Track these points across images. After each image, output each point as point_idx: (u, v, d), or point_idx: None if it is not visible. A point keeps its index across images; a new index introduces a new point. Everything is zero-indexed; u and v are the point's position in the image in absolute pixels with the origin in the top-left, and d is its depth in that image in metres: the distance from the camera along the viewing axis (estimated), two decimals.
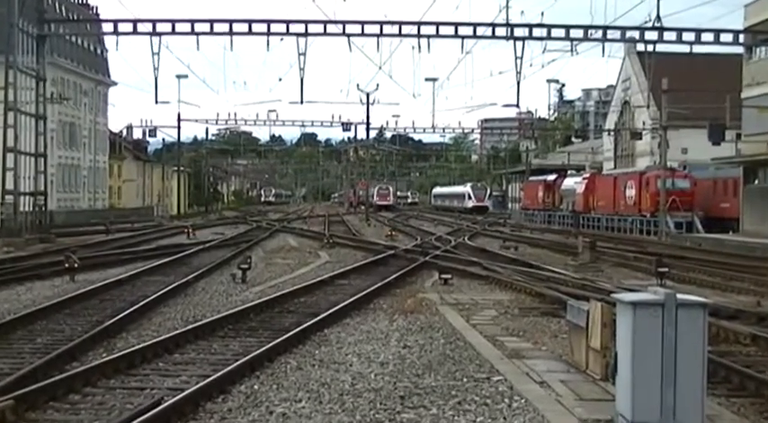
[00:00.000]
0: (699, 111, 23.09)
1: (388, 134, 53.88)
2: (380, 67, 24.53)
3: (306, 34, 18.25)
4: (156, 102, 19.98)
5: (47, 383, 4.48)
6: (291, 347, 5.87)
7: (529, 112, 58.91)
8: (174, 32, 18.25)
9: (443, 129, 40.74)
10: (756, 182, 22.04)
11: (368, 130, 35.77)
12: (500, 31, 18.43)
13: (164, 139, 43.72)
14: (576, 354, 5.28)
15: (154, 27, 18.18)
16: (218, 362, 5.40)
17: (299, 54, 18.41)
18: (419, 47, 18.46)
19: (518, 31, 18.47)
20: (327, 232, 19.76)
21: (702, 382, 3.75)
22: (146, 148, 49.03)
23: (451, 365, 5.34)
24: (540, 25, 18.57)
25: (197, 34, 18.07)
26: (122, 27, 18.40)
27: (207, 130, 56.42)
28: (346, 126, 36.06)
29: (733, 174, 23.50)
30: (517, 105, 29.83)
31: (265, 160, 75.66)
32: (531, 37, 18.50)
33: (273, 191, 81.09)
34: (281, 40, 18.38)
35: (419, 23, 18.49)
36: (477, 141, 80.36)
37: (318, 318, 6.93)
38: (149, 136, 38.00)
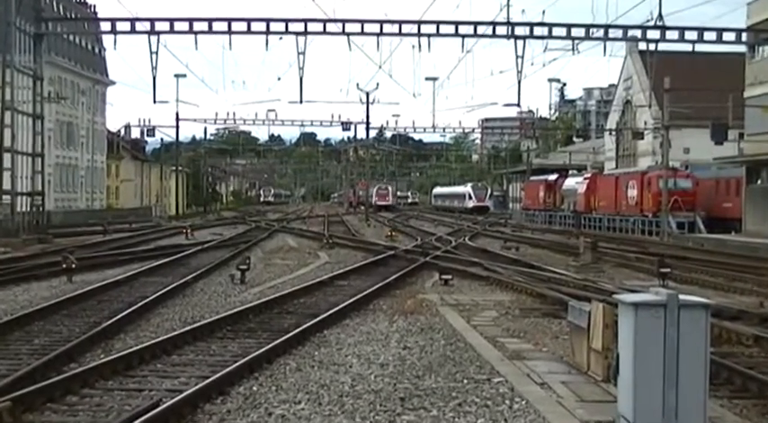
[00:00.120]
0: (701, 110, 23.03)
1: (388, 134, 53.91)
2: (380, 67, 24.53)
3: (305, 33, 18.22)
4: (155, 101, 20.11)
5: (44, 385, 4.46)
6: (291, 349, 5.86)
7: (530, 111, 58.92)
8: (172, 31, 18.21)
9: (444, 128, 40.77)
10: (759, 182, 22.01)
11: (368, 129, 35.73)
12: (501, 30, 18.39)
13: (162, 139, 43.43)
14: (578, 355, 5.26)
15: (152, 26, 18.14)
16: (217, 363, 5.38)
17: (299, 53, 18.41)
18: (419, 46, 18.49)
19: (519, 30, 18.45)
20: (327, 232, 19.73)
21: (705, 384, 3.73)
22: (144, 147, 48.90)
23: (452, 367, 5.32)
24: (542, 24, 18.52)
25: (195, 33, 18.03)
26: (120, 26, 18.37)
27: (205, 129, 56.46)
28: (346, 126, 35.98)
29: (735, 173, 23.47)
30: (518, 105, 29.83)
31: (264, 160, 75.38)
32: (532, 36, 18.47)
33: (272, 191, 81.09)
34: (281, 38, 18.40)
35: (419, 22, 18.47)
36: (478, 141, 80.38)
37: (318, 319, 6.91)
38: (147, 136, 38.03)
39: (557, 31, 18.54)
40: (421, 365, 5.38)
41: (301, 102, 20.98)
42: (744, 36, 19.93)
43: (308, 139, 74.06)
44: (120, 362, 5.20)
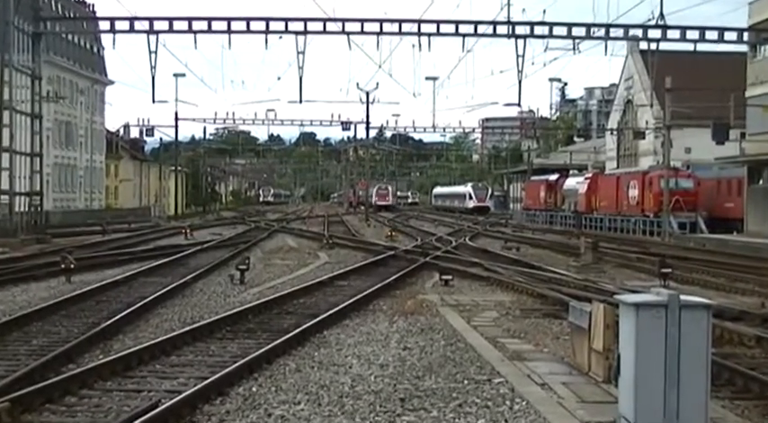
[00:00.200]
0: (702, 110, 22.97)
1: (388, 133, 53.86)
2: (380, 66, 24.45)
3: (305, 32, 18.17)
4: (154, 101, 20.19)
5: (43, 385, 4.45)
6: (290, 349, 5.84)
7: (530, 111, 58.85)
8: (171, 31, 18.16)
9: (444, 128, 40.57)
10: (761, 182, 21.95)
11: (368, 129, 35.56)
12: (501, 30, 18.35)
13: (161, 139, 43.15)
14: (579, 356, 5.24)
15: (151, 25, 18.09)
16: (216, 364, 5.37)
17: (298, 52, 18.34)
18: (419, 45, 18.45)
19: (519, 29, 18.40)
20: (327, 233, 19.70)
21: (706, 385, 3.72)
22: (143, 147, 48.77)
23: (452, 367, 5.31)
24: (542, 23, 18.48)
25: (195, 32, 17.98)
26: (119, 25, 18.32)
27: (205, 129, 56.32)
28: (346, 125, 35.85)
29: (737, 173, 23.43)
30: (519, 104, 29.70)
31: (264, 160, 74.97)
32: (532, 35, 18.42)
33: (272, 191, 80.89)
34: (280, 38, 18.32)
35: (419, 21, 18.43)
36: (478, 141, 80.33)
37: (318, 319, 6.89)
38: (146, 135, 37.86)
39: (557, 31, 18.50)
40: (421, 366, 5.37)
41: (301, 101, 20.97)
42: (745, 35, 19.90)
43: (307, 138, 73.98)
44: (119, 362, 5.19)
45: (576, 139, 53.49)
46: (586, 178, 30.16)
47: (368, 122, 34.17)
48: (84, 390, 4.64)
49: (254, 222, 28.81)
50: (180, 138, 40.73)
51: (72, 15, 31.26)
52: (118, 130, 42.11)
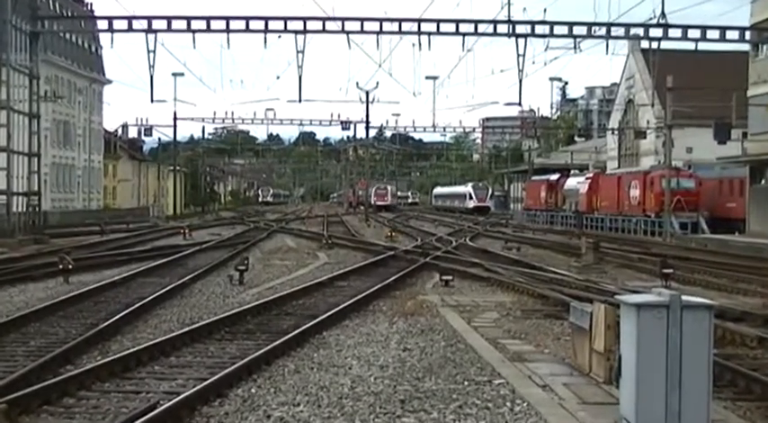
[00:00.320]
0: (704, 109, 22.90)
1: (388, 133, 53.70)
2: (380, 65, 24.36)
3: (304, 31, 18.10)
4: (152, 100, 20.17)
5: (41, 387, 4.43)
6: (289, 350, 5.81)
7: (531, 110, 58.79)
8: (169, 30, 18.07)
9: (444, 128, 40.39)
10: (763, 181, 21.86)
11: (367, 128, 35.43)
12: (502, 29, 18.28)
13: (159, 139, 43.17)
14: (580, 357, 5.21)
15: (149, 24, 18.01)
16: (215, 365, 5.35)
17: (298, 52, 18.24)
18: (419, 44, 18.35)
19: (520, 29, 18.33)
20: (326, 233, 19.67)
21: (708, 386, 3.71)
22: (141, 147, 48.71)
23: (452, 368, 5.29)
24: (543, 22, 18.40)
25: (193, 32, 17.90)
26: (117, 24, 18.23)
27: (203, 129, 56.10)
28: (345, 125, 35.69)
29: (739, 173, 23.35)
30: (519, 104, 29.46)
31: (263, 160, 74.62)
32: (533, 34, 18.34)
33: (271, 191, 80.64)
34: (279, 37, 18.22)
35: (419, 20, 18.37)
36: (479, 140, 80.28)
37: (317, 320, 6.86)
38: (145, 135, 37.72)
39: (558, 30, 18.42)
40: (421, 367, 5.35)
41: (300, 101, 20.81)
42: (747, 34, 19.78)
43: (307, 138, 73.83)
44: (118, 364, 5.17)
45: (576, 138, 53.43)
46: (587, 178, 30.11)
47: (367, 122, 34.13)
48: (83, 391, 4.62)
49: (253, 222, 28.76)
50: (178, 137, 40.79)
51: (70, 14, 31.24)
52: (116, 130, 42.04)
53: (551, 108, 73.59)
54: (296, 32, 18.10)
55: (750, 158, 22.39)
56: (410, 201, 69.74)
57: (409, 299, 8.69)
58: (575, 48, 18.66)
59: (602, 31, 18.54)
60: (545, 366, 5.30)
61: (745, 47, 21.94)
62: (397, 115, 55.24)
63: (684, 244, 19.45)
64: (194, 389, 4.46)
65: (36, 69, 19.22)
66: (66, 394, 4.50)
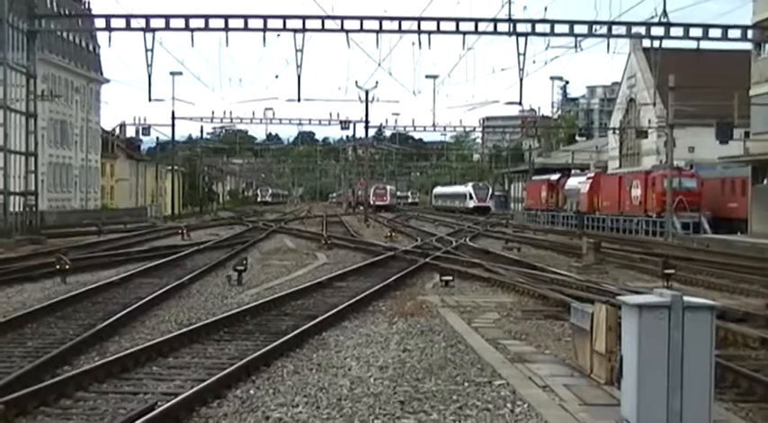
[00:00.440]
0: (706, 108, 22.82)
1: (388, 133, 53.67)
2: (380, 64, 24.40)
3: (303, 30, 18.02)
4: (150, 99, 19.60)
5: (38, 388, 4.40)
6: (288, 351, 5.79)
7: (532, 109, 58.88)
8: (168, 28, 17.99)
9: (444, 127, 40.25)
10: (765, 181, 21.76)
11: (367, 128, 35.07)
12: (502, 27, 18.22)
13: (157, 138, 42.95)
14: (581, 358, 5.19)
15: (147, 23, 17.95)
16: (214, 366, 5.32)
17: (297, 50, 18.14)
18: (419, 43, 18.26)
19: (521, 27, 18.25)
20: (325, 233, 19.60)
21: (710, 387, 3.69)
22: (139, 146, 48.76)
23: (452, 369, 5.26)
24: (544, 21, 18.32)
25: (192, 30, 17.83)
26: (115, 23, 18.15)
27: (202, 128, 56.06)
28: (345, 124, 35.52)
29: (741, 173, 23.22)
30: (520, 103, 29.39)
31: (262, 159, 74.48)
32: (534, 33, 18.27)
33: (270, 191, 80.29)
34: (278, 35, 18.17)
35: (419, 19, 18.33)
36: (479, 140, 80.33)
37: (316, 321, 6.83)
38: (143, 134, 37.40)
39: (559, 28, 18.35)
40: (421, 368, 5.32)
41: (299, 100, 20.58)
42: (749, 33, 19.71)
43: (306, 137, 73.70)
44: (115, 364, 5.14)
45: (577, 138, 53.40)
46: (588, 178, 30.06)
47: (367, 121, 33.92)
48: (80, 392, 4.60)
49: (252, 223, 28.69)
50: (177, 137, 40.06)
51: (67, 13, 31.05)
52: (114, 129, 41.99)
53: (552, 107, 73.62)
54: (295, 31, 18.02)
55: (752, 158, 22.30)
56: (410, 201, 69.68)
57: (409, 299, 8.66)
58: (576, 46, 18.60)
59: (604, 29, 18.47)
60: (546, 367, 5.27)
61: (748, 46, 21.85)
62: (397, 115, 55.28)
63: (686, 244, 19.40)
64: (192, 390, 4.43)
65: (33, 68, 19.15)
66: (63, 395, 4.48)
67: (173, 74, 32.17)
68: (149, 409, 4.08)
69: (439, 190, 61.57)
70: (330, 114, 37.04)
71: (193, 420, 4.10)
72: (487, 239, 20.91)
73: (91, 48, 39.12)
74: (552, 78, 43.00)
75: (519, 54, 18.31)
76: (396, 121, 51.40)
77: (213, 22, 17.98)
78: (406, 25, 18.32)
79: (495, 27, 18.29)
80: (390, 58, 52.88)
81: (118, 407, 4.32)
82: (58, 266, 10.07)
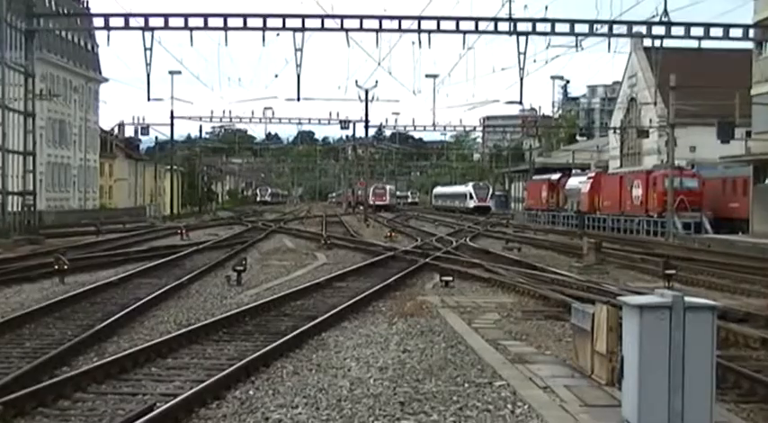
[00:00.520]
0: (707, 108, 22.76)
1: (388, 132, 53.56)
2: (379, 63, 24.30)
3: (303, 29, 17.98)
4: (149, 99, 19.37)
5: (36, 389, 4.39)
6: (288, 352, 5.77)
7: (532, 109, 58.82)
8: (166, 27, 17.95)
9: (444, 126, 40.28)
10: (767, 181, 21.71)
11: (366, 127, 34.93)
12: (503, 26, 18.19)
13: (156, 138, 43.51)
14: (581, 358, 5.17)
15: (146, 22, 17.90)
16: (213, 366, 5.31)
17: (296, 50, 18.08)
18: (419, 42, 18.20)
19: (521, 26, 18.22)
20: (325, 233, 19.55)
21: (711, 388, 3.69)
22: (138, 146, 48.54)
23: (453, 370, 5.24)
24: (544, 20, 18.29)
25: (190, 29, 17.78)
26: (114, 22, 18.11)
27: (201, 127, 55.91)
28: (344, 124, 35.40)
29: (742, 173, 23.15)
30: (520, 102, 29.36)
31: (261, 159, 74.21)
32: (534, 32, 18.22)
33: (269, 190, 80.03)
34: (278, 35, 18.12)
35: (419, 18, 18.27)
36: (479, 139, 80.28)
37: (316, 321, 6.81)
38: (141, 134, 37.05)
39: (560, 27, 18.30)
40: (421, 369, 5.30)
41: (299, 99, 20.33)
42: (751, 32, 19.61)
43: (305, 137, 73.58)
44: (114, 365, 5.13)
45: (578, 137, 53.36)
46: (589, 178, 30.00)
47: (367, 121, 33.83)
48: (78, 393, 4.58)
49: (251, 222, 28.63)
50: (176, 136, 39.94)
51: (66, 12, 30.89)
52: (112, 129, 41.95)
53: (553, 107, 73.56)
54: (294, 30, 17.96)
55: (754, 158, 22.24)
56: (410, 200, 69.57)
57: (409, 300, 8.63)
58: (576, 46, 18.54)
59: (605, 28, 18.41)
60: (546, 368, 5.25)
61: (749, 45, 21.80)
62: (397, 114, 55.13)
63: (687, 244, 19.35)
64: (192, 391, 4.42)
65: (31, 67, 19.10)
66: (61, 396, 4.46)
67: (172, 73, 32.13)
68: (148, 410, 4.07)
69: (439, 190, 61.47)
70: (330, 114, 36.99)
71: (192, 421, 4.09)
72: (488, 239, 20.87)
73: (89, 47, 38.99)
74: (553, 78, 43.07)
75: (519, 53, 18.27)
76: (396, 120, 51.36)
77: (212, 21, 17.95)
78: (405, 24, 18.27)
79: (496, 26, 18.26)
80: (390, 58, 52.91)
81: (116, 408, 4.30)
82: (56, 267, 10.03)
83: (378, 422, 4.07)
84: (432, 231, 23.79)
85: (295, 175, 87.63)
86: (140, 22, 17.93)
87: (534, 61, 24.16)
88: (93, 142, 40.30)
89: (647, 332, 3.63)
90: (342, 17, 18.10)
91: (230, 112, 36.99)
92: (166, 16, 18.00)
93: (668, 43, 19.50)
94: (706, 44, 19.02)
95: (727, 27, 18.54)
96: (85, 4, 36.74)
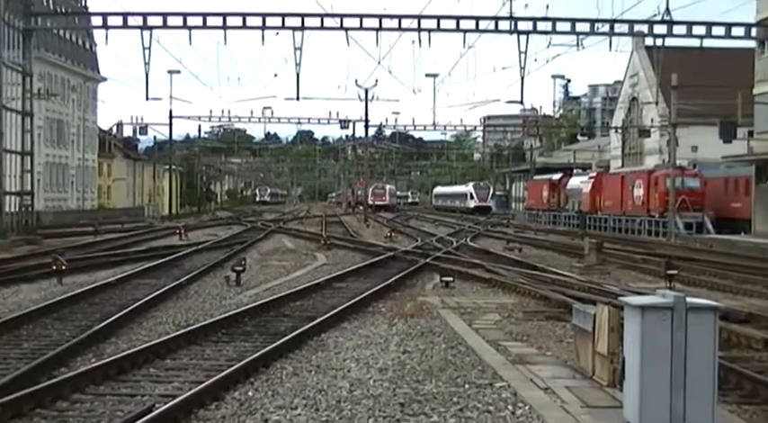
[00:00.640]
0: (709, 107, 22.69)
1: (388, 132, 53.47)
2: (379, 63, 24.01)
3: (302, 28, 17.93)
4: (147, 98, 19.32)
5: (34, 390, 4.37)
6: (287, 353, 5.75)
7: (533, 108, 58.69)
8: (165, 26, 17.90)
9: (445, 126, 40.21)
10: None
11: (366, 127, 34.80)
12: (503, 25, 18.17)
13: (155, 137, 42.53)
14: (583, 359, 5.14)
15: (145, 21, 17.86)
16: (212, 367, 5.29)
17: (295, 49, 18.03)
18: (419, 41, 18.14)
19: (522, 25, 18.20)
20: (325, 233, 19.52)
21: (713, 389, 3.68)
22: (136, 146, 48.20)
23: (453, 371, 5.23)
24: (545, 19, 18.30)
25: (189, 28, 17.74)
26: (112, 21, 18.08)
27: (200, 127, 55.77)
28: (344, 123, 35.31)
29: (744, 172, 23.08)
30: (521, 102, 29.27)
31: (260, 159, 73.82)
32: (535, 31, 18.19)
33: (269, 190, 79.86)
34: (277, 34, 18.07)
35: (419, 17, 18.25)
36: (480, 139, 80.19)
37: (315, 322, 6.79)
38: (140, 134, 36.92)
39: (561, 26, 18.27)
40: (421, 370, 5.28)
41: (298, 99, 20.21)
42: (753, 31, 19.57)
43: (305, 137, 73.42)
44: (112, 366, 5.11)
45: (579, 137, 53.21)
46: (590, 177, 29.95)
47: (366, 120, 33.72)
48: (77, 394, 4.57)
49: (251, 223, 28.57)
50: (174, 136, 39.73)
51: (64, 11, 30.79)
52: (111, 129, 41.75)
53: (554, 106, 73.43)
54: (294, 29, 17.91)
55: (756, 157, 22.18)
56: (410, 200, 69.40)
57: (409, 300, 8.61)
58: (577, 45, 18.51)
59: (606, 27, 18.37)
60: (547, 369, 5.22)
61: (752, 44, 21.72)
62: (397, 113, 54.98)
63: (689, 244, 19.30)
64: (190, 392, 4.40)
65: (29, 67, 19.07)
66: (59, 397, 4.45)
67: (170, 72, 32.04)
68: (147, 411, 4.05)
69: (439, 190, 61.37)
70: (329, 113, 36.97)
71: None
72: (488, 240, 20.83)
73: (87, 46, 38.83)
74: (554, 77, 42.96)
75: (520, 52, 18.23)
76: (396, 120, 51.33)
77: (211, 20, 17.91)
78: (406, 23, 18.22)
79: (497, 25, 18.22)
80: (390, 57, 52.94)
81: (115, 409, 4.29)
82: (54, 267, 9.99)
83: None
84: (432, 231, 23.75)
85: (294, 175, 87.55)
86: (139, 20, 17.89)
87: (535, 60, 24.14)
88: (91, 142, 40.17)
89: (649, 333, 3.62)
90: (341, 16, 18.08)
91: (229, 111, 36.97)
92: (165, 15, 17.96)
93: (670, 42, 19.50)
94: (708, 43, 19.02)
95: (729, 26, 18.52)
96: (84, 3, 36.65)
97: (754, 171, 22.32)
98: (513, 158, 56.97)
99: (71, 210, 34.13)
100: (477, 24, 18.32)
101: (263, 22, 17.88)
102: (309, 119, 44.21)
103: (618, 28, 18.46)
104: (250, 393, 4.65)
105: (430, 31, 18.18)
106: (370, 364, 5.47)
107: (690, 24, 18.31)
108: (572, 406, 4.28)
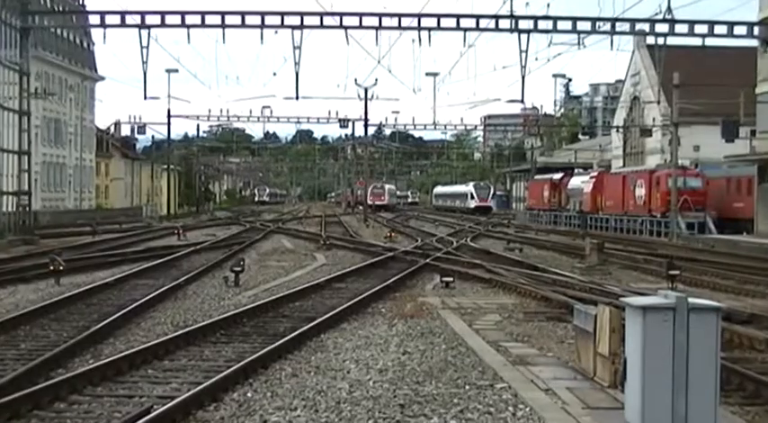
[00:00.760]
0: (711, 106, 22.65)
1: (388, 131, 53.42)
2: (379, 62, 24.03)
3: (301, 27, 17.86)
4: (145, 97, 19.31)
5: (31, 391, 4.35)
6: (286, 353, 5.73)
7: (534, 108, 58.70)
8: (163, 25, 17.83)
9: (445, 125, 40.07)
10: None
11: (366, 126, 34.62)
12: (504, 24, 18.07)
13: (153, 137, 42.51)
14: (584, 360, 5.11)
15: (143, 19, 17.80)
16: (210, 368, 5.27)
17: (295, 47, 17.93)
18: (419, 40, 18.06)
19: (523, 24, 18.10)
20: (324, 234, 19.50)
21: (715, 390, 3.67)
22: (134, 145, 48.17)
23: (453, 372, 5.21)
24: (546, 17, 18.20)
25: (188, 27, 17.65)
26: (110, 19, 18.00)
27: (198, 126, 55.73)
28: (344, 123, 35.14)
29: (747, 172, 23.00)
30: (522, 101, 29.12)
31: (259, 158, 73.65)
32: (536, 29, 18.10)
33: (268, 190, 79.58)
34: (276, 32, 17.98)
35: (419, 15, 18.16)
36: (480, 138, 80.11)
37: (314, 322, 6.77)
38: (138, 133, 36.77)
39: (562, 25, 18.19)
40: (421, 371, 5.26)
41: (297, 98, 20.01)
42: (756, 30, 19.46)
43: (304, 136, 73.28)
44: (110, 367, 5.09)
45: (580, 136, 53.23)
46: (591, 177, 29.90)
47: (366, 120, 33.58)
48: (74, 395, 4.55)
49: (249, 223, 28.52)
50: (172, 135, 39.31)
51: (61, 9, 30.82)
52: (108, 128, 41.52)
53: (555, 105, 73.40)
54: (293, 28, 17.83)
55: (758, 157, 22.13)
56: (410, 200, 69.16)
57: (409, 301, 8.58)
58: (579, 44, 18.43)
59: (607, 26, 18.28)
60: (548, 370, 5.20)
61: (754, 43, 21.63)
62: (397, 113, 54.86)
63: (691, 245, 19.26)
64: (189, 393, 4.38)
65: (26, 66, 18.89)
66: (57, 399, 4.43)
67: (168, 71, 32.08)
68: (145, 412, 4.03)
69: (439, 189, 61.24)
70: (329, 112, 36.97)
71: None
72: (489, 240, 20.79)
73: (85, 45, 38.82)
74: (555, 76, 43.00)
75: (521, 51, 18.14)
76: (395, 119, 51.43)
77: (210, 19, 17.83)
78: (405, 22, 18.15)
79: (497, 24, 18.12)
80: (390, 56, 52.75)
81: (113, 410, 4.27)
82: (51, 267, 9.95)
83: None
84: (432, 231, 23.73)
85: (293, 175, 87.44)
86: (137, 19, 17.83)
87: (536, 59, 24.00)
88: (88, 141, 40.07)
89: (651, 334, 3.61)
90: (341, 15, 18.01)
91: (228, 110, 37.05)
92: (163, 14, 17.88)
93: (672, 41, 19.39)
94: (710, 42, 18.94)
95: (731, 25, 18.42)
96: (81, 2, 36.61)
97: (756, 171, 22.26)
98: (513, 158, 56.95)
99: (68, 210, 34.07)
100: (477, 23, 18.23)
101: (262, 20, 17.83)
102: (309, 118, 44.04)
103: (619, 27, 18.39)
104: (249, 394, 4.64)
105: (430, 29, 18.11)
106: (370, 364, 5.45)
107: (692, 23, 18.19)
108: (573, 407, 4.26)
